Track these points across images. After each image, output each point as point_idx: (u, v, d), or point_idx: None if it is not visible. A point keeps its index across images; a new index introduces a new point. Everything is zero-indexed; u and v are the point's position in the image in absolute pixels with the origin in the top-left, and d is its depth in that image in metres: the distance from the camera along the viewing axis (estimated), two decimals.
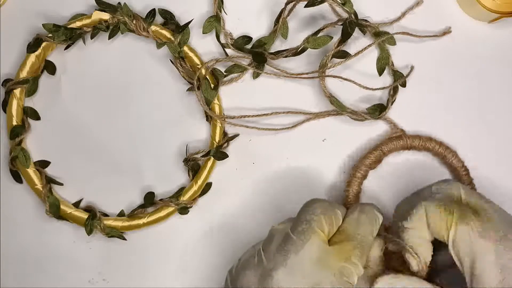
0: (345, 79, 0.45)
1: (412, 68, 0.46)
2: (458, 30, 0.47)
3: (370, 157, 0.45)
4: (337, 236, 0.37)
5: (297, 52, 0.45)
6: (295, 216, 0.38)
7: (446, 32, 0.46)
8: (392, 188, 0.46)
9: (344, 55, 0.45)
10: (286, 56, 0.45)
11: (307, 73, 0.45)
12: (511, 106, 0.47)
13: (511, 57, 0.47)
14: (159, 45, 0.46)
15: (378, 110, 0.46)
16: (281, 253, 0.36)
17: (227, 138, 0.47)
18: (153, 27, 0.46)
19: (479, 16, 0.46)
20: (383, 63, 0.46)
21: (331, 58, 0.45)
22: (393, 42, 0.46)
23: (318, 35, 0.45)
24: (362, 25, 0.45)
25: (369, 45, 0.45)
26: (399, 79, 0.46)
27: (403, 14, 0.47)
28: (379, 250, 0.39)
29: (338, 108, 0.45)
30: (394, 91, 0.46)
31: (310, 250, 0.36)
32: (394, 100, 0.46)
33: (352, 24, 0.44)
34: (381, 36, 0.45)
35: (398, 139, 0.45)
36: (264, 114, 0.46)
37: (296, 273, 0.35)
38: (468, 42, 0.47)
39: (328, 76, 0.45)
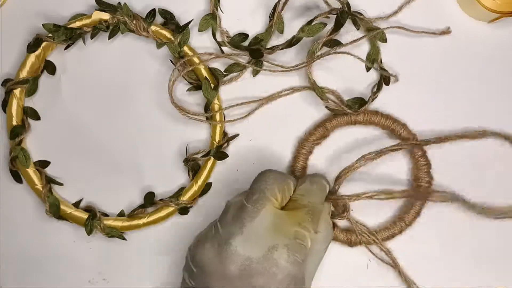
0: (338, 52, 0.45)
1: (396, 78, 0.46)
2: (458, 30, 0.47)
3: (315, 134, 0.46)
4: (290, 204, 0.40)
5: (292, 42, 0.45)
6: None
7: (445, 32, 0.46)
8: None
9: (336, 43, 0.45)
10: (282, 49, 0.45)
11: (296, 65, 0.45)
12: (511, 106, 0.47)
13: (511, 57, 0.47)
14: (159, 45, 0.46)
15: (358, 104, 0.46)
16: (236, 221, 0.38)
17: (227, 138, 0.47)
18: (153, 27, 0.46)
19: (479, 16, 0.46)
20: (373, 60, 0.46)
21: (322, 46, 0.45)
22: (384, 39, 0.46)
23: (312, 24, 0.45)
24: (356, 16, 0.45)
25: (360, 38, 0.45)
26: (386, 79, 0.46)
27: (400, 8, 0.47)
28: (327, 214, 0.42)
29: (319, 95, 0.45)
30: (377, 88, 0.46)
31: (265, 217, 0.38)
32: (376, 97, 0.46)
33: (344, 14, 0.44)
34: (373, 31, 0.45)
35: (343, 115, 0.46)
36: (229, 106, 0.46)
37: (252, 238, 0.37)
38: (468, 42, 0.47)
39: (314, 61, 0.45)
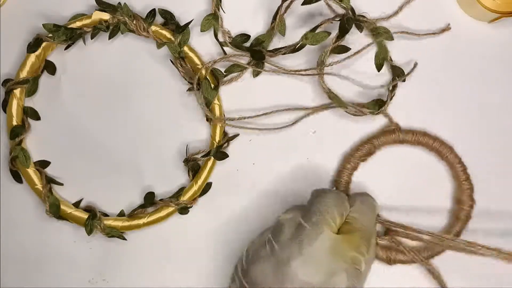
0: (348, 57, 0.45)
1: (415, 64, 0.46)
2: (458, 30, 0.47)
3: (361, 150, 0.46)
4: (345, 227, 0.39)
5: (295, 48, 0.45)
6: (298, 204, 0.41)
7: (445, 29, 0.46)
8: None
9: (343, 50, 0.45)
10: (284, 53, 0.45)
11: (305, 70, 0.45)
12: (511, 105, 0.47)
13: (511, 56, 0.47)
14: (159, 45, 0.46)
15: (377, 105, 0.46)
16: (295, 242, 0.37)
17: (227, 138, 0.47)
18: (153, 27, 0.46)
19: (479, 16, 0.46)
20: (382, 59, 0.46)
21: (330, 53, 0.45)
22: (390, 37, 0.46)
23: (316, 31, 0.45)
24: (360, 21, 0.45)
25: (368, 45, 0.45)
26: (399, 75, 0.46)
27: (400, 9, 0.47)
28: (375, 236, 0.41)
29: (337, 103, 0.45)
30: (393, 86, 0.46)
31: (324, 240, 0.37)
32: (393, 95, 0.46)
33: (349, 20, 0.44)
34: (380, 34, 0.45)
35: (391, 133, 0.46)
36: (262, 114, 0.46)
37: (312, 262, 0.37)
38: (468, 42, 0.47)
39: (326, 73, 0.45)
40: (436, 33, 0.46)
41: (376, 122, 0.47)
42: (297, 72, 0.46)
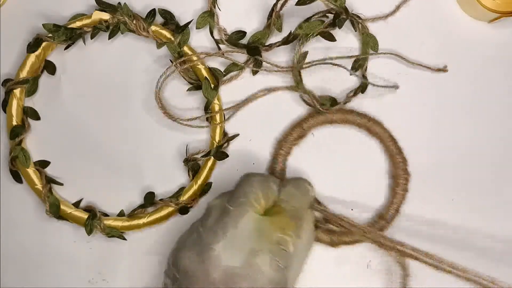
0: (326, 63, 0.45)
1: (396, 87, 0.46)
2: (457, 30, 0.47)
3: (292, 134, 0.46)
4: (273, 209, 0.39)
5: (289, 39, 0.45)
6: (228, 190, 0.40)
7: (441, 69, 0.46)
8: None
9: (330, 37, 0.45)
10: (279, 45, 0.45)
11: (285, 67, 0.46)
12: (511, 105, 0.47)
13: (511, 56, 0.47)
14: (159, 45, 0.46)
15: (330, 102, 0.46)
16: (219, 226, 0.37)
17: (227, 138, 0.47)
18: (153, 27, 0.46)
19: (479, 15, 0.46)
20: (358, 66, 0.46)
21: (316, 35, 0.45)
22: (376, 48, 0.46)
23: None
24: (354, 18, 0.45)
25: (354, 56, 0.45)
26: (363, 88, 0.46)
27: (398, 8, 0.47)
28: (311, 220, 0.41)
29: (296, 83, 0.45)
30: (354, 93, 0.46)
31: (248, 222, 0.37)
32: (348, 101, 0.46)
33: (341, 22, 0.44)
34: (367, 43, 0.46)
35: (319, 114, 0.46)
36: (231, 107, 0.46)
37: (235, 244, 0.37)
38: (467, 42, 0.47)
39: (302, 66, 0.45)
40: (432, 68, 0.46)
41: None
42: (284, 69, 0.46)
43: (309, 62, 0.45)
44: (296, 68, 0.45)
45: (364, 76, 0.46)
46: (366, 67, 0.46)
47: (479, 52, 0.47)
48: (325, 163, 0.47)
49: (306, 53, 0.45)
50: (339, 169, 0.46)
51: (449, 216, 0.46)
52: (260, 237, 0.37)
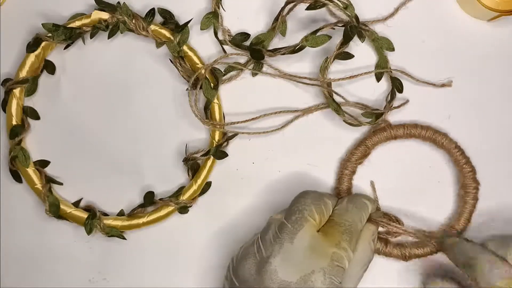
0: (352, 77, 0.45)
1: (407, 101, 0.46)
2: (457, 29, 0.47)
3: (356, 153, 0.46)
4: (327, 224, 0.40)
5: (294, 50, 0.45)
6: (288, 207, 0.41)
7: (446, 84, 0.46)
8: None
9: (347, 56, 0.45)
10: (283, 54, 0.45)
11: (309, 78, 0.46)
12: (510, 104, 0.47)
13: (510, 55, 0.47)
14: (159, 45, 0.46)
15: (375, 117, 0.45)
16: (276, 241, 0.38)
17: (226, 138, 0.47)
18: (152, 27, 0.46)
19: (478, 14, 0.46)
20: (382, 69, 0.46)
21: (334, 59, 0.45)
22: (392, 48, 0.46)
23: (317, 35, 0.45)
24: (362, 29, 0.45)
25: (369, 72, 0.45)
26: (398, 87, 0.46)
27: (396, 10, 0.47)
28: (369, 234, 0.41)
29: (335, 112, 0.45)
30: (391, 97, 0.46)
31: (303, 238, 0.38)
32: (391, 106, 0.45)
33: (353, 28, 0.44)
34: (380, 44, 0.46)
35: (382, 131, 0.45)
36: (255, 118, 0.46)
37: (291, 260, 0.37)
38: (467, 41, 0.47)
39: (328, 80, 0.45)
40: (436, 85, 0.46)
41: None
42: (299, 79, 0.46)
43: (339, 78, 0.45)
44: (325, 88, 0.45)
45: (393, 77, 0.46)
46: (391, 68, 0.46)
47: (478, 51, 0.47)
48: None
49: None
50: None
51: None
52: (314, 254, 0.38)
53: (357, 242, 0.40)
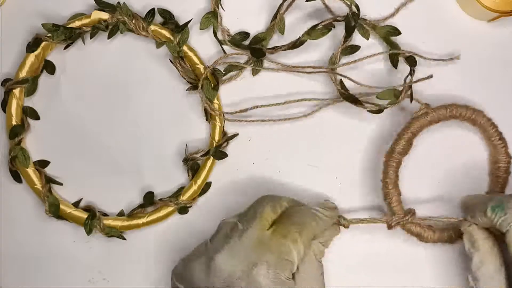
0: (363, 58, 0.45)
1: (430, 76, 0.45)
2: (457, 29, 0.47)
3: (401, 142, 0.43)
4: (278, 221, 0.39)
5: (295, 44, 0.45)
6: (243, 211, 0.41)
7: (454, 57, 0.46)
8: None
9: (353, 49, 0.45)
10: (284, 50, 0.45)
11: (313, 67, 0.45)
12: (510, 105, 0.47)
13: (510, 56, 0.47)
14: (159, 45, 0.46)
15: (393, 95, 0.43)
16: (225, 240, 0.38)
17: (226, 138, 0.47)
18: (152, 27, 0.46)
19: (478, 15, 0.46)
20: (396, 55, 0.46)
21: (340, 55, 0.45)
22: (398, 32, 0.46)
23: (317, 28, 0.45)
24: (363, 22, 0.45)
25: (380, 53, 0.45)
26: (413, 64, 0.45)
27: (397, 10, 0.47)
28: (323, 227, 0.40)
29: (353, 103, 0.44)
30: (411, 74, 0.44)
31: (252, 234, 0.38)
32: (410, 88, 0.43)
33: (355, 16, 0.43)
34: (387, 32, 0.45)
35: (425, 115, 0.43)
36: (277, 104, 0.46)
37: (236, 255, 0.37)
38: (467, 41, 0.47)
39: (338, 73, 0.45)
40: (445, 59, 0.46)
41: (369, 121, 0.46)
42: (303, 69, 0.45)
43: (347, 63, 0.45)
44: (333, 74, 0.45)
45: (409, 57, 0.45)
46: (403, 50, 0.45)
47: (478, 51, 0.47)
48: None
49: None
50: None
51: None
52: (260, 247, 0.37)
53: (313, 239, 0.39)
